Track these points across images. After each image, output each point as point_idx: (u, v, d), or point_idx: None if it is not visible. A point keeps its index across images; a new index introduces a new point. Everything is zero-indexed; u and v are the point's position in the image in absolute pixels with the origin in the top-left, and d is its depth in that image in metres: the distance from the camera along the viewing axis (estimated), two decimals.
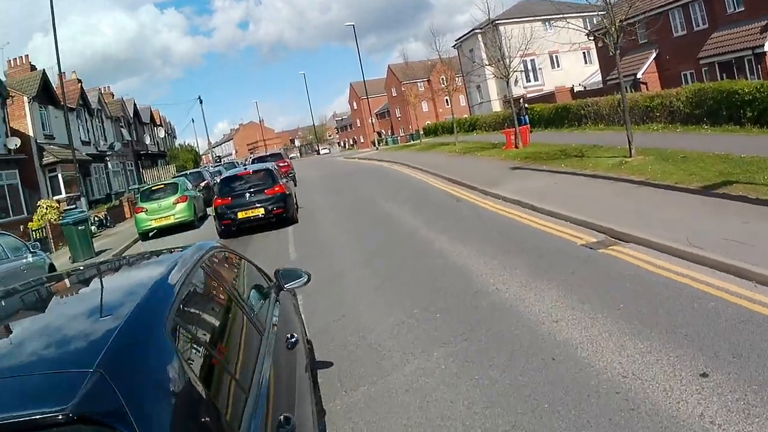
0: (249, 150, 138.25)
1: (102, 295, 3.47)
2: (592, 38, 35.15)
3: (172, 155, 67.72)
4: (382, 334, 7.09)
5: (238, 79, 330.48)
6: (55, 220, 24.62)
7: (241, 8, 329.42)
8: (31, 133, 34.79)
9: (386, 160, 39.65)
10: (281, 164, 34.80)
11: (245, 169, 22.12)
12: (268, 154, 45.35)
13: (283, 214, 18.27)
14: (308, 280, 5.21)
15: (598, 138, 23.60)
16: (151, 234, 22.99)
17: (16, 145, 31.58)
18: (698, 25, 34.67)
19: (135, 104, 62.19)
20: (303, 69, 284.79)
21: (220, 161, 79.95)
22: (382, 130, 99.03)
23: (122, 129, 54.80)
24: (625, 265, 8.19)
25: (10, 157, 31.61)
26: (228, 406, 2.70)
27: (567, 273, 8.15)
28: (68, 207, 30.27)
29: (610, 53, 18.18)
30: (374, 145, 74.33)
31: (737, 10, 31.71)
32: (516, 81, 47.33)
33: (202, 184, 31.02)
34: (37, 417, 1.85)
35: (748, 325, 5.64)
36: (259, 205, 18.07)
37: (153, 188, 24.43)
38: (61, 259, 21.05)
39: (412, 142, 63.46)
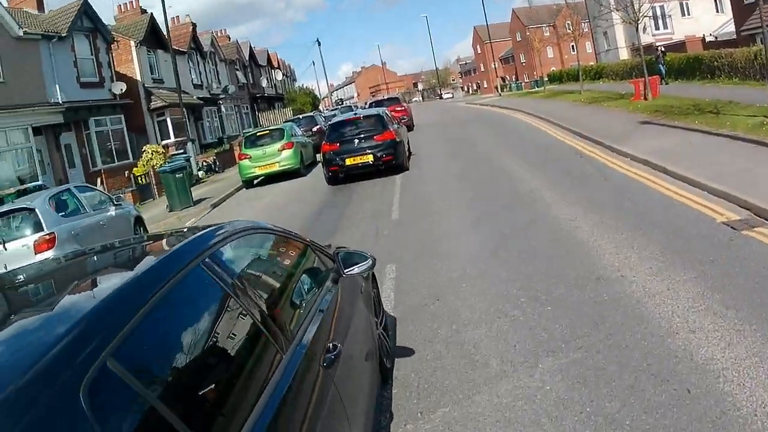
0: (371, 93, 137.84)
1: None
2: None
3: (290, 98, 67.74)
4: (479, 330, 5.97)
5: (361, 22, 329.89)
6: (159, 165, 24.63)
7: None
8: (138, 77, 35.21)
9: (508, 107, 37.99)
10: (398, 109, 34.16)
11: (355, 114, 21.26)
12: (385, 98, 44.46)
13: (392, 162, 17.62)
14: (373, 265, 4.53)
15: (732, 93, 20.92)
16: (256, 182, 22.61)
17: (121, 89, 31.86)
18: None
19: (251, 47, 62.58)
20: (426, 11, 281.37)
21: (342, 104, 79.75)
22: (506, 76, 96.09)
23: (237, 72, 55.10)
24: None
25: (116, 102, 31.96)
26: None
27: (706, 261, 6.66)
28: (176, 152, 30.51)
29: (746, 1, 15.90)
30: (497, 91, 72.05)
31: None
32: (644, 28, 44.08)
33: (314, 129, 30.45)
34: None
35: None
36: (368, 151, 17.59)
37: (258, 134, 23.96)
38: (159, 208, 21.00)
39: (536, 88, 61.24)
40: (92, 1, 30.58)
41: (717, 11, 55.76)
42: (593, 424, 4.12)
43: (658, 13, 55.15)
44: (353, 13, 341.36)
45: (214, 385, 2.40)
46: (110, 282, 2.62)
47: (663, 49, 36.90)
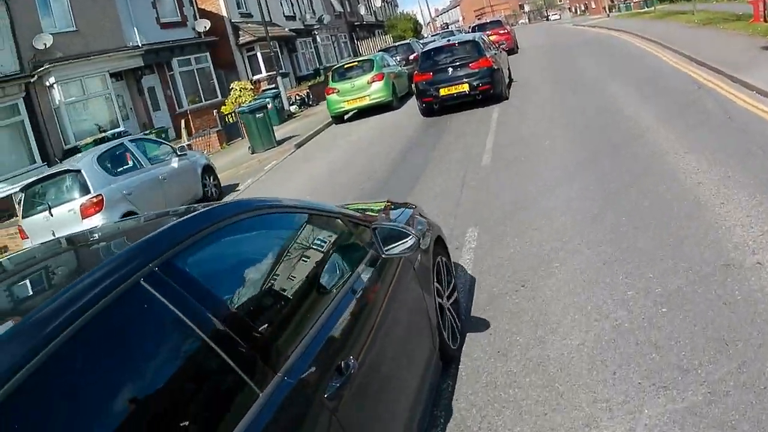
0: (476, 16, 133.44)
1: None
2: None
3: (390, 25, 65.49)
4: (570, 340, 4.64)
5: None
6: (249, 101, 23.76)
7: None
8: (224, 13, 34.23)
9: (617, 28, 35.31)
10: (501, 32, 32.89)
11: (448, 41, 19.86)
12: (488, 21, 42.29)
13: (489, 91, 16.56)
14: (416, 245, 3.72)
15: None
16: (346, 117, 21.52)
17: (205, 27, 31.05)
18: None
19: None
20: None
21: (446, 28, 77.14)
22: None
23: (332, 0, 53.34)
24: None
25: (201, 41, 31.22)
26: None
27: None
28: (267, 87, 29.64)
29: None
30: (606, 12, 68.46)
31: None
32: None
33: (411, 57, 28.92)
34: None
35: None
36: (464, 80, 16.61)
37: (346, 66, 22.70)
38: (242, 150, 20.27)
39: (645, 8, 57.33)
40: None
41: None
42: None
43: None
44: None
45: None
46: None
47: None
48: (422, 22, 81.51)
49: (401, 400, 3.24)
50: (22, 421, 1.62)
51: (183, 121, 25.95)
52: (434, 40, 34.82)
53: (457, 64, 16.97)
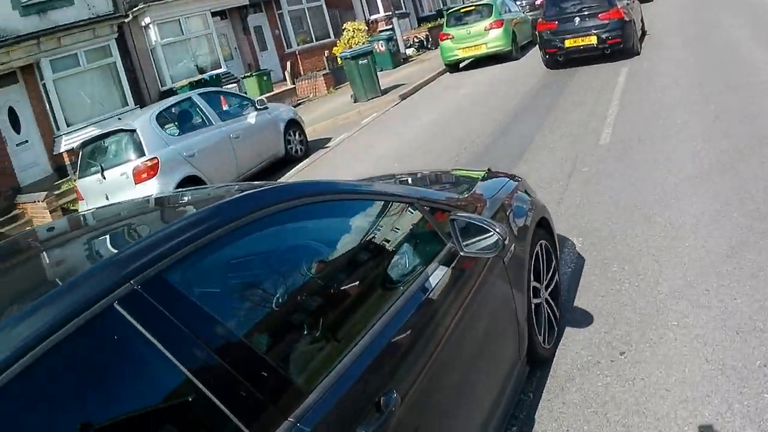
0: None
1: None
2: None
3: None
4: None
5: None
6: (362, 43, 22.27)
7: None
8: None
9: None
10: None
11: None
12: None
13: (619, 45, 15.17)
14: (500, 247, 2.91)
15: None
16: (461, 65, 19.80)
17: None
18: None
19: None
20: None
21: None
22: None
23: None
24: None
25: None
26: None
27: None
28: (384, 28, 28.09)
29: None
30: None
31: None
32: None
33: (538, 3, 26.82)
34: None
35: None
36: (593, 31, 15.26)
37: (462, 10, 20.72)
38: (345, 97, 18.93)
39: None
40: None
41: None
42: None
43: None
44: None
45: None
46: None
47: None
48: None
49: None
50: None
51: (289, 63, 24.79)
52: None
53: (586, 13, 15.53)
